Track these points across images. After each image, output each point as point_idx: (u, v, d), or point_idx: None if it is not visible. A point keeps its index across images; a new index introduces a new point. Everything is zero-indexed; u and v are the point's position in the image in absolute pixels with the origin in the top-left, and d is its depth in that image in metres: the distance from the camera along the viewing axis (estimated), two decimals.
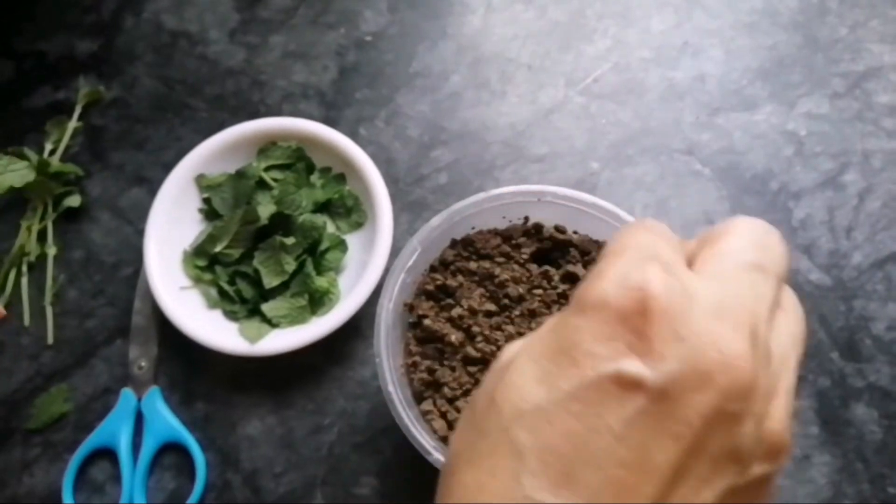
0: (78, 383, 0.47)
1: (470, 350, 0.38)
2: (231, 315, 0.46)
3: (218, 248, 0.47)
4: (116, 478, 0.45)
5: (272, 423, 0.45)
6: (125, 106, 0.56)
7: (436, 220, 0.40)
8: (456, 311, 0.40)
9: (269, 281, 0.46)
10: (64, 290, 0.50)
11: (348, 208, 0.49)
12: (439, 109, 0.54)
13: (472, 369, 0.39)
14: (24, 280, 0.50)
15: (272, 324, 0.45)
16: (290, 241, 0.46)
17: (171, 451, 0.45)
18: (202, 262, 0.47)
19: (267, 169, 0.49)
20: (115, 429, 0.45)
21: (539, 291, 0.40)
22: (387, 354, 0.37)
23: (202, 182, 0.49)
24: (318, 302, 0.46)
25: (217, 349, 0.44)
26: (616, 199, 0.42)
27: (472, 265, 0.41)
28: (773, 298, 0.20)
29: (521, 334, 0.39)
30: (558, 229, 0.42)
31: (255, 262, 0.46)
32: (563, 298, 0.40)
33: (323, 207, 0.49)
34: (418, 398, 0.39)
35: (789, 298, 0.22)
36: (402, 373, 0.39)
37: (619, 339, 0.18)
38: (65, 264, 0.51)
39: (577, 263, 0.41)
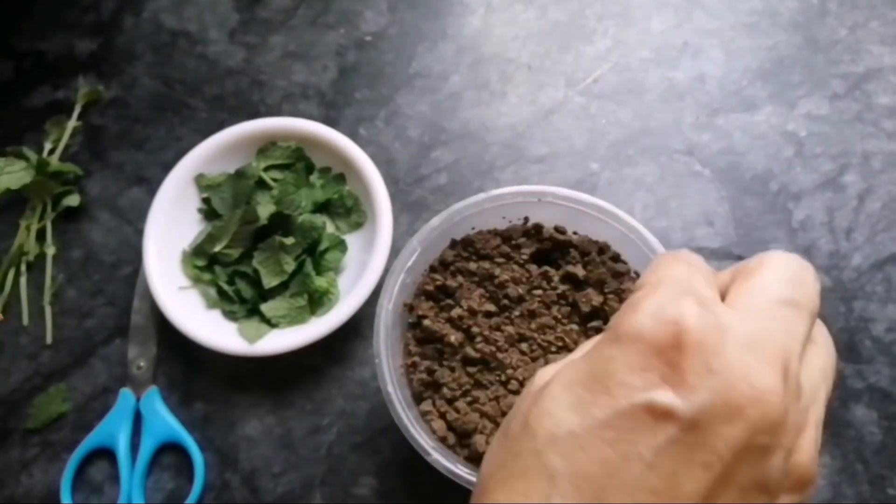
0: (77, 383, 0.47)
1: (469, 350, 0.38)
2: (230, 315, 0.46)
3: (217, 248, 0.47)
4: (115, 478, 0.45)
5: (271, 423, 0.45)
6: (124, 105, 0.56)
7: (435, 221, 0.40)
8: (455, 312, 0.40)
9: (269, 281, 0.46)
10: (63, 289, 0.50)
11: (348, 208, 0.49)
12: (439, 110, 0.54)
13: (471, 370, 0.38)
14: (23, 279, 0.50)
15: (271, 324, 0.45)
16: (289, 241, 0.46)
17: (170, 451, 0.45)
18: (201, 262, 0.47)
19: (266, 169, 0.49)
20: (113, 429, 0.45)
21: (539, 292, 0.40)
22: (386, 355, 0.37)
23: (201, 182, 0.49)
24: (317, 302, 0.46)
25: (216, 349, 0.44)
26: (616, 199, 0.42)
27: (472, 266, 0.41)
28: (805, 334, 0.21)
29: (520, 335, 0.39)
30: (558, 230, 0.42)
31: (255, 262, 0.46)
32: (562, 299, 0.40)
33: (322, 207, 0.49)
34: (417, 399, 0.39)
35: (821, 333, 0.22)
36: (401, 373, 0.39)
37: (653, 370, 0.19)
38: (64, 264, 0.51)
39: (577, 264, 0.41)
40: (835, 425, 0.43)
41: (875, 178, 0.49)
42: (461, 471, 0.34)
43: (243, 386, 0.46)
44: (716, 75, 0.53)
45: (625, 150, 0.51)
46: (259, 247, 0.46)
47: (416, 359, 0.39)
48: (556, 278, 0.40)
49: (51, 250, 0.50)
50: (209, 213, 0.49)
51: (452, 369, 0.38)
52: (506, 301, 0.40)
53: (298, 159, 0.50)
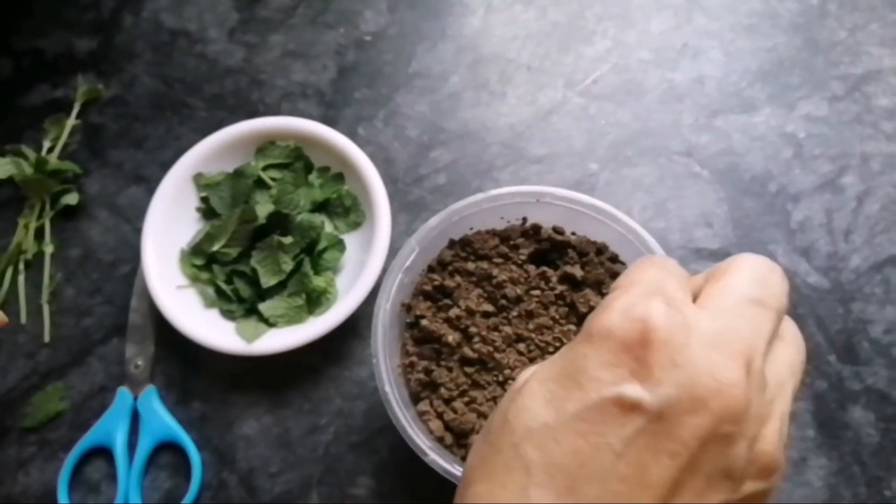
0: (74, 382, 0.47)
1: (467, 351, 0.38)
2: (228, 314, 0.46)
3: (215, 248, 0.47)
4: (112, 477, 0.44)
5: (268, 422, 0.45)
6: (124, 104, 0.56)
7: (434, 221, 0.40)
8: (453, 312, 0.40)
9: (267, 280, 0.46)
10: (61, 288, 0.50)
11: (346, 208, 0.49)
12: (438, 110, 0.54)
13: (469, 370, 0.38)
14: (21, 278, 0.50)
15: (269, 323, 0.45)
16: (287, 240, 0.46)
17: (167, 451, 0.45)
18: (199, 261, 0.47)
19: (265, 168, 0.49)
20: (111, 428, 0.45)
21: (537, 292, 0.40)
22: (384, 355, 0.37)
23: (200, 181, 0.49)
24: (315, 302, 0.46)
25: (214, 348, 0.44)
26: (615, 200, 0.42)
27: (470, 266, 0.41)
28: (770, 331, 0.22)
29: (518, 335, 0.39)
30: (556, 230, 0.42)
31: (253, 262, 0.46)
32: (560, 299, 0.40)
33: (321, 207, 0.49)
34: (415, 398, 0.39)
35: (790, 330, 0.24)
36: (398, 373, 0.39)
37: (622, 365, 0.20)
38: (62, 262, 0.51)
39: (575, 264, 0.41)
40: (832, 427, 0.43)
41: (874, 179, 0.49)
42: (458, 471, 0.34)
43: (241, 385, 0.46)
44: (715, 76, 0.53)
45: (624, 151, 0.51)
46: (257, 246, 0.46)
47: (414, 359, 0.39)
48: (554, 279, 0.40)
49: (49, 249, 0.50)
50: (208, 212, 0.49)
51: (450, 369, 0.38)
52: (504, 301, 0.40)
53: (297, 159, 0.50)
